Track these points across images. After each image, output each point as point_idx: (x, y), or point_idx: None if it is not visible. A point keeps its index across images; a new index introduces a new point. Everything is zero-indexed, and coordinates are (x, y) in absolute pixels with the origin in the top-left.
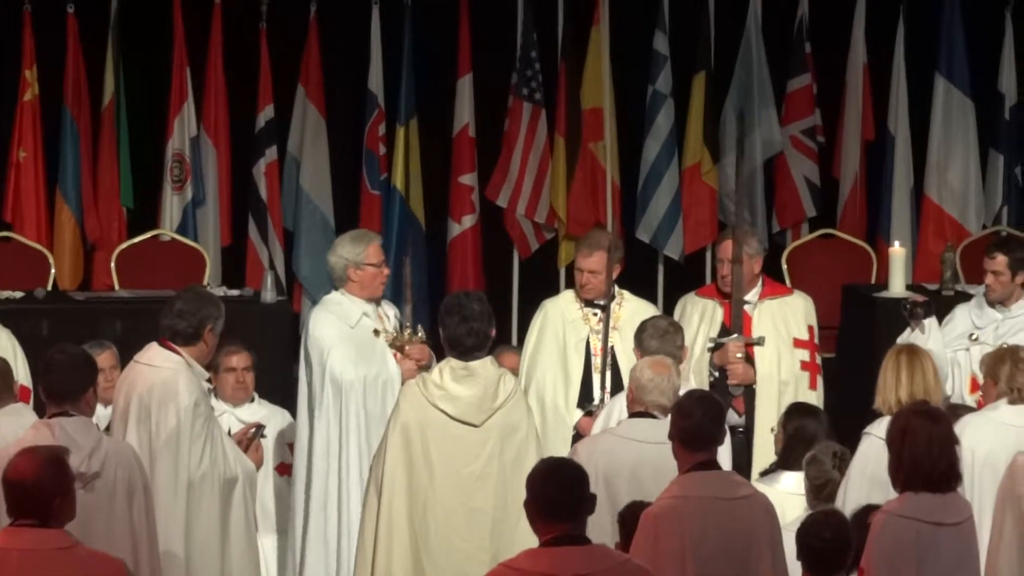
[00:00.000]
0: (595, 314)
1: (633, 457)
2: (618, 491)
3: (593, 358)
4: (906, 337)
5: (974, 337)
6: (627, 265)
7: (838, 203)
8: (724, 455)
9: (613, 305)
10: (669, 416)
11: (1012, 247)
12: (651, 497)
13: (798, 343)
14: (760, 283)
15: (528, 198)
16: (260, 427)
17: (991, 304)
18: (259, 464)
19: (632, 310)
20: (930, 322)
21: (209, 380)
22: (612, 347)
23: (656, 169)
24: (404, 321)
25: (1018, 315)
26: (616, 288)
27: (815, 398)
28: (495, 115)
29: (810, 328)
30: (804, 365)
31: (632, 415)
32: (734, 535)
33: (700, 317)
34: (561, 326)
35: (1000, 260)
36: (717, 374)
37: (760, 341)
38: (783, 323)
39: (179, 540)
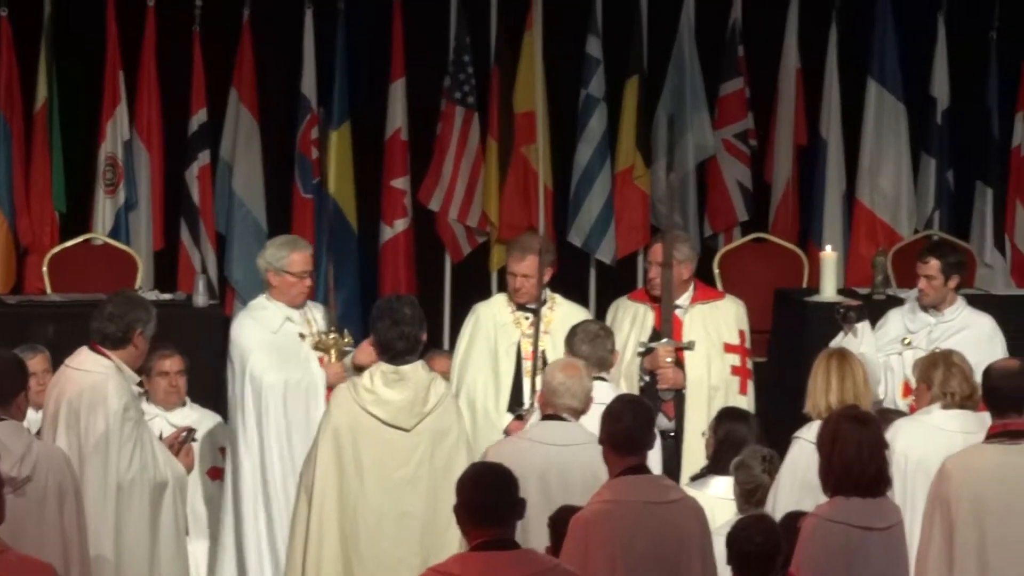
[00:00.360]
0: (527, 318)
1: (541, 460)
2: (526, 495)
3: (524, 362)
4: (839, 341)
5: (907, 341)
6: (559, 269)
7: (770, 207)
8: (655, 459)
9: (544, 309)
10: (580, 419)
11: (944, 252)
12: (557, 501)
13: (729, 348)
14: (692, 288)
15: (460, 202)
16: (191, 431)
17: (924, 308)
18: (190, 468)
19: (564, 314)
20: (863, 326)
21: (140, 384)
22: (543, 351)
23: (588, 173)
24: (329, 325)
25: (951, 319)
26: (548, 292)
27: (745, 403)
28: (428, 119)
29: (741, 333)
30: (735, 370)
31: (544, 418)
32: (664, 539)
33: (631, 321)
34: (492, 330)
35: (933, 265)
36: (648, 378)
37: (690, 346)
38: (714, 328)
39: (109, 544)
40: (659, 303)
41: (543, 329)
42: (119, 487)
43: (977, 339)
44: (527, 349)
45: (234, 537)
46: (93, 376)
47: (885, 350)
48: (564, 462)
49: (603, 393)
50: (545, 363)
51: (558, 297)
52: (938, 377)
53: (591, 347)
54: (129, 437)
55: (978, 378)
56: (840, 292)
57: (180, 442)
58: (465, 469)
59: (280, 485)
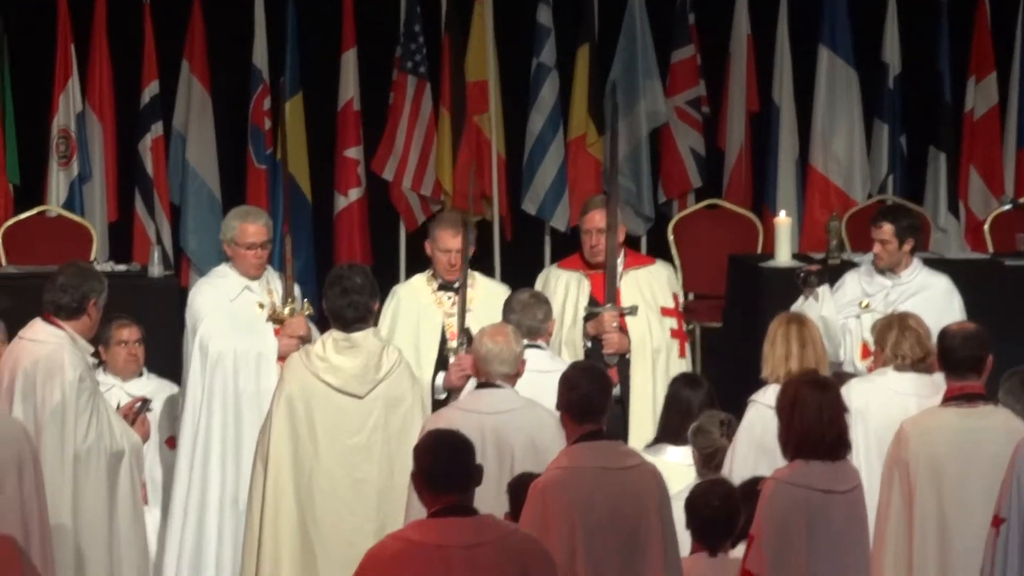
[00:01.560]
0: (448, 298)
1: (476, 429)
2: None
3: (449, 342)
4: (799, 305)
5: (865, 304)
6: (514, 236)
7: (724, 173)
8: None
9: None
10: (515, 383)
11: (898, 216)
12: (495, 468)
13: (665, 311)
14: (622, 254)
15: (414, 171)
16: (146, 401)
17: (880, 272)
18: (145, 437)
19: (485, 291)
20: (823, 290)
21: (95, 354)
22: (467, 329)
23: (541, 141)
24: (285, 295)
25: (908, 281)
26: (468, 270)
27: (685, 365)
28: (380, 89)
29: (675, 296)
30: (674, 333)
31: (477, 386)
32: (623, 504)
33: (565, 289)
34: (415, 311)
35: (887, 229)
36: (590, 344)
37: (633, 310)
38: (649, 292)
39: (67, 513)
40: (595, 270)
41: (466, 307)
42: (76, 457)
43: (934, 300)
44: (451, 328)
45: (180, 503)
46: (48, 347)
47: (843, 313)
48: (499, 428)
49: (536, 361)
50: (470, 341)
51: (477, 275)
52: (891, 340)
53: (520, 316)
54: (85, 407)
55: (935, 339)
56: (794, 257)
57: (135, 412)
58: (422, 436)
59: (219, 452)
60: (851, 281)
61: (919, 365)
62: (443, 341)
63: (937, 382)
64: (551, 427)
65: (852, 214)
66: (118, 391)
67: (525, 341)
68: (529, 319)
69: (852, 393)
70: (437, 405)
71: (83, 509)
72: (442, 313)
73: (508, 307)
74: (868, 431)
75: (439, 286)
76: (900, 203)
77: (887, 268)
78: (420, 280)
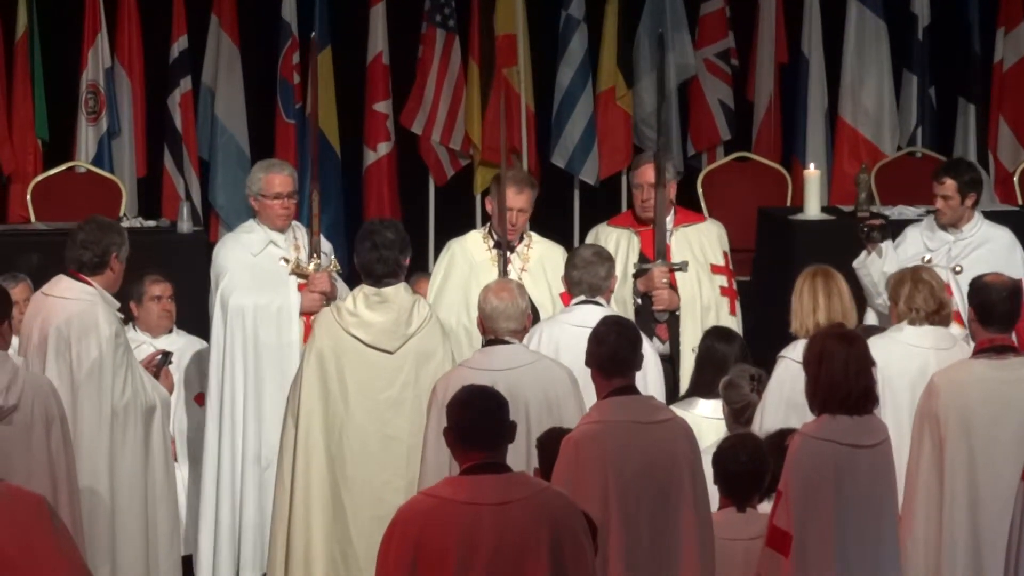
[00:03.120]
0: (502, 255)
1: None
2: None
3: None
4: (862, 260)
5: (927, 259)
6: (543, 190)
7: (753, 126)
8: (656, 384)
9: (522, 247)
10: (523, 339)
11: (960, 171)
12: None
13: (715, 269)
14: (672, 211)
15: (443, 125)
16: (167, 354)
17: (942, 227)
18: (170, 390)
19: (541, 252)
20: (887, 245)
21: (120, 310)
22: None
23: (571, 94)
24: (311, 251)
25: (969, 236)
26: (524, 230)
27: (734, 323)
28: (409, 43)
29: (725, 254)
30: (723, 291)
31: (486, 344)
32: (654, 458)
33: (615, 247)
34: (468, 268)
35: (949, 184)
36: (640, 301)
37: (683, 266)
38: (700, 249)
39: (104, 471)
40: (646, 226)
41: (521, 267)
42: (113, 413)
43: (996, 253)
44: None
45: (212, 459)
46: (80, 303)
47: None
48: (510, 385)
49: (594, 317)
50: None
51: (534, 235)
52: (904, 294)
53: (583, 272)
54: (121, 363)
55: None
56: (824, 210)
57: (156, 365)
58: (455, 392)
59: (241, 405)
60: (912, 236)
61: (934, 317)
62: None
63: (954, 334)
64: (563, 381)
65: (881, 166)
66: (148, 347)
67: (583, 297)
68: (591, 276)
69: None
70: None
71: (120, 466)
72: (497, 272)
73: (571, 264)
74: (888, 387)
75: (495, 243)
76: (960, 157)
77: (949, 224)
78: (476, 236)
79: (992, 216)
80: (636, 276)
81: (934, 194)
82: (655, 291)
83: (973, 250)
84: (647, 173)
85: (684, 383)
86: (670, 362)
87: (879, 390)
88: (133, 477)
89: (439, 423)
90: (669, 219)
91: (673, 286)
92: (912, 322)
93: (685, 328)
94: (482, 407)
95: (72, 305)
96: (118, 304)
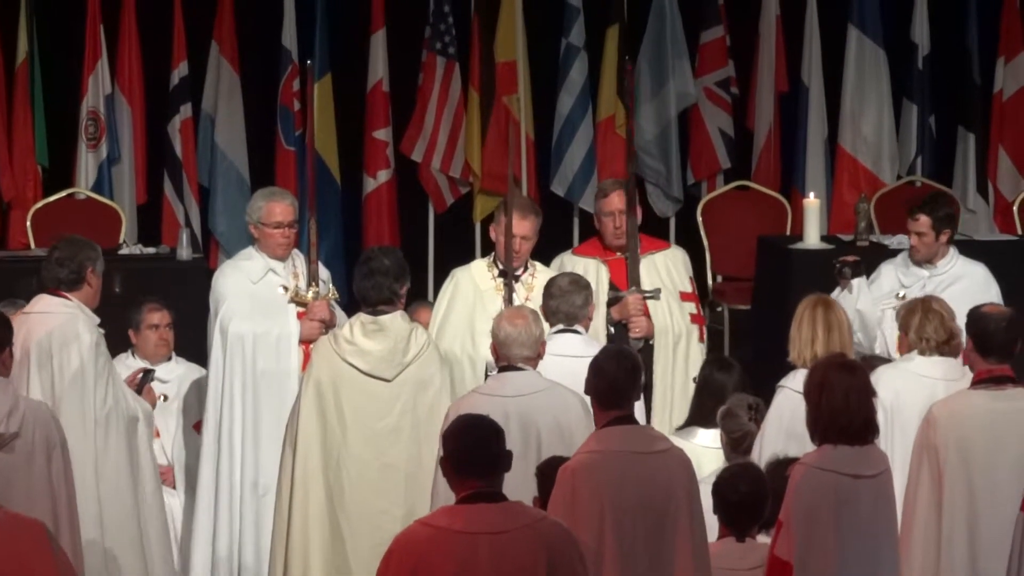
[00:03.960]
0: (507, 284)
1: (499, 413)
2: None
3: None
4: (835, 296)
5: (902, 295)
6: (543, 219)
7: (753, 154)
8: (639, 411)
9: (526, 276)
10: (537, 366)
11: (935, 207)
12: (520, 452)
13: (684, 296)
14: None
15: (443, 152)
16: (149, 371)
17: (917, 263)
18: (153, 405)
19: (544, 280)
20: (859, 282)
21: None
22: None
23: (570, 122)
24: (309, 279)
25: (944, 271)
26: (528, 259)
27: (702, 351)
28: (409, 70)
29: (691, 280)
30: (693, 318)
31: (500, 370)
32: (652, 489)
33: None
34: (472, 296)
35: (923, 221)
36: (613, 330)
37: (656, 294)
38: (668, 276)
39: (91, 479)
40: (613, 254)
41: (525, 296)
42: (96, 422)
43: (972, 289)
44: None
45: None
46: (60, 317)
47: (879, 304)
48: (522, 412)
49: (572, 346)
50: None
51: (539, 264)
52: (915, 324)
53: (559, 301)
54: (102, 371)
55: (962, 322)
56: (823, 239)
57: (139, 383)
58: (451, 421)
59: (239, 433)
60: (887, 273)
61: (944, 348)
62: None
63: (964, 365)
64: (576, 408)
65: (881, 195)
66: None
67: (562, 326)
68: (568, 304)
69: (880, 380)
70: None
71: (106, 475)
72: (502, 300)
73: (547, 292)
74: (898, 418)
75: (500, 272)
76: (935, 192)
77: (924, 260)
78: (480, 265)
79: (992, 246)
80: (610, 304)
81: (908, 230)
82: (632, 319)
83: (948, 286)
84: (616, 200)
85: (655, 412)
86: (644, 390)
87: (887, 420)
88: (121, 486)
89: None
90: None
91: (645, 314)
92: (922, 352)
93: (659, 357)
94: (478, 436)
95: (52, 319)
96: (98, 319)
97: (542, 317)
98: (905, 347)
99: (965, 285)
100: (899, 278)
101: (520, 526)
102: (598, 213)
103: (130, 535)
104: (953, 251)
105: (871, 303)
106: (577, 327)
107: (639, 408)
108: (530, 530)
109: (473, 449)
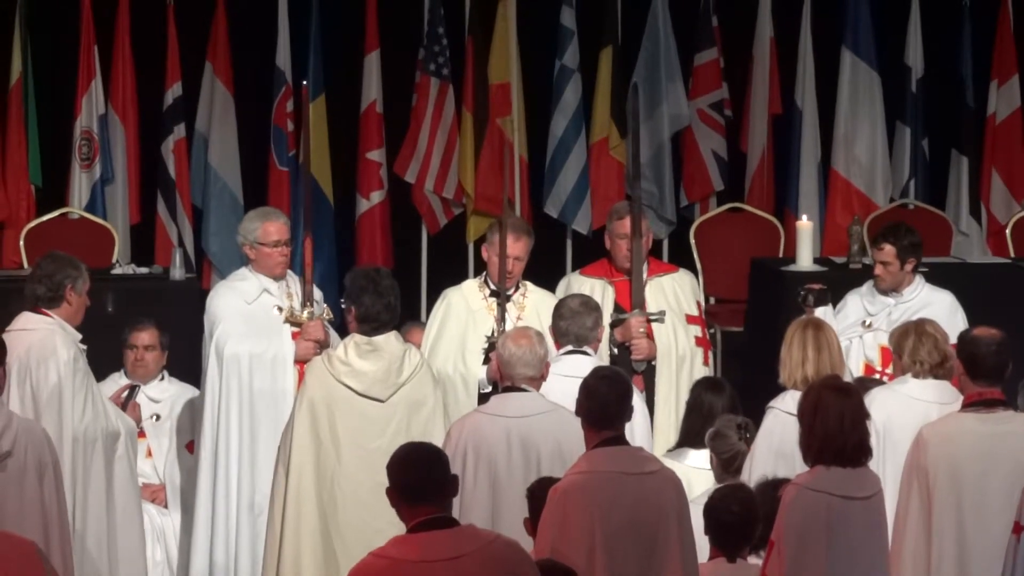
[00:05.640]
0: (500, 304)
1: (501, 433)
2: (490, 468)
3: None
4: None
5: (867, 324)
6: (535, 240)
7: (746, 177)
8: (642, 433)
9: (517, 296)
10: (540, 386)
11: (899, 236)
12: (521, 472)
13: (690, 319)
14: (647, 262)
15: (436, 174)
16: (134, 387)
17: (883, 292)
18: (138, 421)
19: (536, 300)
20: (824, 310)
21: (83, 341)
22: None
23: (564, 144)
24: (304, 299)
25: (910, 299)
26: (520, 279)
27: (707, 374)
28: (403, 91)
29: (698, 304)
30: (698, 341)
31: (503, 390)
32: (642, 510)
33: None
34: (464, 316)
35: (888, 251)
36: (616, 350)
37: (661, 317)
38: (674, 299)
39: (70, 494)
40: (621, 276)
41: (516, 316)
42: (74, 438)
43: (938, 317)
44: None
45: (204, 507)
46: (39, 332)
47: (846, 334)
48: (524, 433)
49: (581, 367)
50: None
51: (529, 284)
52: (908, 347)
53: (569, 323)
54: (80, 387)
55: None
56: (816, 261)
57: (125, 399)
58: (394, 451)
59: (236, 453)
60: (853, 303)
61: (937, 371)
62: (492, 347)
63: (957, 388)
64: (577, 432)
65: (874, 218)
66: (139, 394)
67: (571, 347)
68: (577, 326)
69: (874, 403)
70: (483, 399)
71: (85, 492)
72: (493, 320)
73: (558, 314)
74: (890, 440)
75: (491, 292)
76: (897, 221)
77: (890, 288)
78: (472, 285)
79: (985, 269)
80: (613, 326)
81: (873, 259)
82: (633, 341)
83: (914, 313)
84: (623, 225)
85: (658, 434)
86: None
87: (880, 442)
88: (97, 501)
89: (454, 468)
90: (644, 269)
91: (649, 336)
92: (916, 375)
93: (660, 378)
94: (425, 462)
95: (31, 335)
96: (79, 336)
97: (548, 338)
98: (899, 370)
99: (931, 313)
100: (865, 307)
101: (474, 550)
102: (611, 234)
103: (101, 550)
104: (919, 279)
105: (837, 332)
106: (586, 348)
107: (643, 429)
108: (484, 552)
109: (418, 476)
